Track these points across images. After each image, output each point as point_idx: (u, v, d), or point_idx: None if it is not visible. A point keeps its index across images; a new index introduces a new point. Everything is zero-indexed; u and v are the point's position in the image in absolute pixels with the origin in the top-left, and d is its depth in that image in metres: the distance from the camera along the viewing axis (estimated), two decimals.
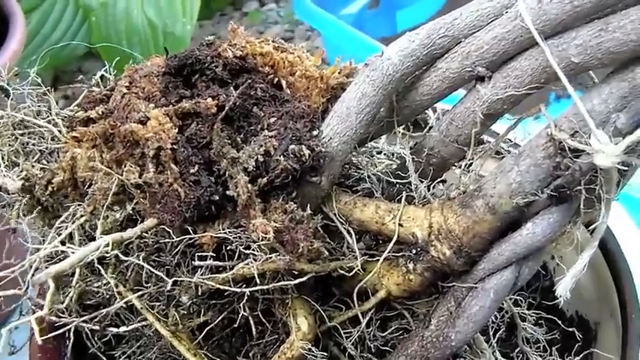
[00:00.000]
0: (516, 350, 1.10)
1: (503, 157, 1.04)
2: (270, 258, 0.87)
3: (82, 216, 0.88)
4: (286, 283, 0.88)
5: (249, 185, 0.87)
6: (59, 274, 0.77)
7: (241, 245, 0.88)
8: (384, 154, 1.11)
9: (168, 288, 0.90)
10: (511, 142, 1.12)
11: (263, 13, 3.55)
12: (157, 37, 2.52)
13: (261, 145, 0.89)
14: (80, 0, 2.50)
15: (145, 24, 2.51)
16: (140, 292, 0.91)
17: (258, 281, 0.87)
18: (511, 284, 0.92)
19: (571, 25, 0.82)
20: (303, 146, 0.89)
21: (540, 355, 1.09)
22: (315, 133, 0.92)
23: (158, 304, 0.93)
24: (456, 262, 0.91)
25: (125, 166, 0.87)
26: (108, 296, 0.94)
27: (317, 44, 3.24)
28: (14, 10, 1.80)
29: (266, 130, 0.91)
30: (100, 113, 0.93)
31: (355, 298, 0.97)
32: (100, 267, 0.89)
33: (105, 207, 0.87)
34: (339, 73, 0.97)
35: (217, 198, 0.88)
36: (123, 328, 0.93)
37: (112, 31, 2.49)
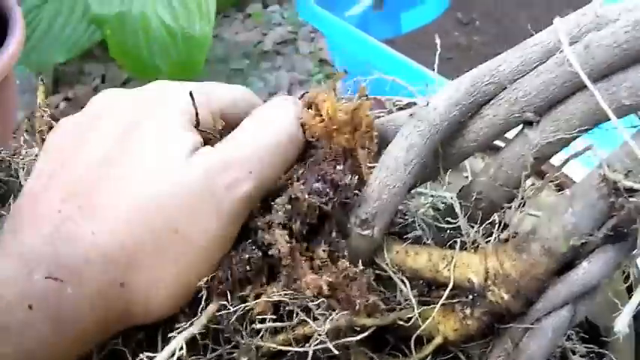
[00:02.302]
0: None
1: (558, 189, 1.05)
2: (331, 316, 0.87)
3: None
4: (350, 339, 0.88)
5: (287, 237, 0.88)
6: None
7: (298, 307, 0.88)
8: (429, 199, 1.11)
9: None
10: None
11: (266, 14, 3.55)
12: (176, 42, 2.48)
13: (290, 196, 0.90)
14: (92, 11, 2.46)
15: (163, 31, 2.47)
16: None
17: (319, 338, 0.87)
18: (568, 322, 0.93)
19: (619, 68, 0.83)
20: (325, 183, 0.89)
21: None
22: (339, 168, 0.92)
23: None
24: (515, 306, 0.91)
25: None
26: None
27: (321, 46, 3.26)
28: (14, 10, 1.78)
29: (295, 183, 0.91)
30: None
31: (413, 346, 0.96)
32: None
33: None
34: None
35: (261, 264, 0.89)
36: None
37: (130, 43, 2.46)
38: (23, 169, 1.16)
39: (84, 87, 3.05)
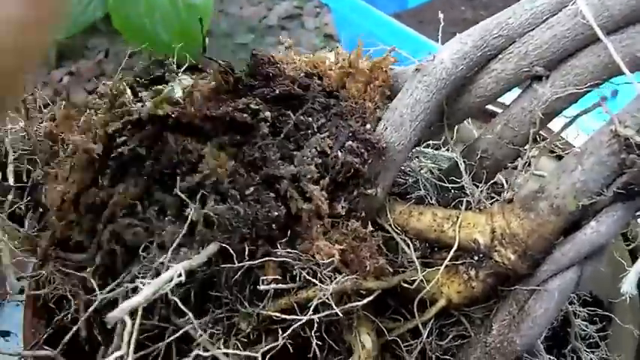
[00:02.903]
0: (568, 347, 1.09)
1: (557, 154, 1.03)
2: (336, 279, 0.84)
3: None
4: (355, 304, 0.85)
5: (320, 192, 0.86)
6: (134, 309, 0.73)
7: (303, 269, 0.86)
8: (431, 157, 1.09)
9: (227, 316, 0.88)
10: (563, 139, 1.10)
11: None
12: (178, 11, 2.44)
13: (315, 147, 0.87)
14: None
15: (165, 0, 2.43)
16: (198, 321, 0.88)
17: (326, 303, 0.84)
18: (574, 284, 0.91)
19: (634, 20, 0.80)
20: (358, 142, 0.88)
21: (593, 352, 1.08)
22: (368, 127, 0.90)
23: (217, 332, 0.90)
24: (521, 266, 0.89)
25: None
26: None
27: (326, 21, 3.23)
28: None
29: (317, 134, 0.89)
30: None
31: (415, 309, 0.94)
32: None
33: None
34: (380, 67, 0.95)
35: (277, 214, 0.85)
36: None
37: (132, 12, 2.42)
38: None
39: (87, 61, 3.03)
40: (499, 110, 0.98)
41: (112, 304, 0.87)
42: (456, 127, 1.01)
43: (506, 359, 0.93)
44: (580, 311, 1.07)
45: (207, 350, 0.86)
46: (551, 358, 1.04)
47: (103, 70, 2.92)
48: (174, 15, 2.42)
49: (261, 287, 0.85)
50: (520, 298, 0.92)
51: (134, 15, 2.40)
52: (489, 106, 0.97)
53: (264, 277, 0.86)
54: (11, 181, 1.08)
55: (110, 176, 0.94)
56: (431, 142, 1.09)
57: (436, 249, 0.99)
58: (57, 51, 3.03)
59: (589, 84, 0.85)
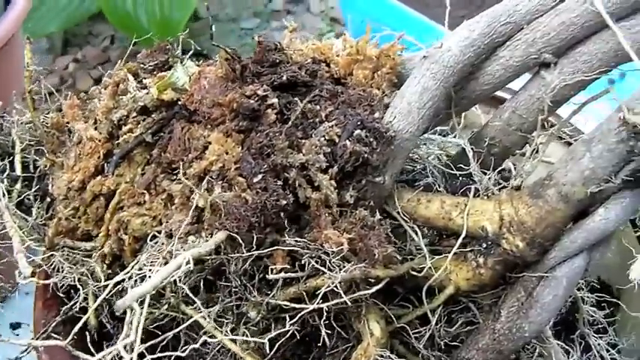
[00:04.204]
0: (576, 333, 1.09)
1: (565, 141, 1.02)
2: (345, 267, 0.84)
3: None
4: (365, 292, 0.85)
5: (329, 181, 0.86)
6: (142, 296, 0.73)
7: (312, 258, 0.86)
8: (439, 145, 1.08)
9: (236, 304, 0.88)
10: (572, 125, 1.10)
11: None
12: (161, 1, 2.45)
13: (323, 136, 0.87)
14: None
15: None
16: (207, 310, 0.88)
17: (335, 292, 0.84)
18: (582, 270, 0.91)
19: None
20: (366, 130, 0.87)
21: (601, 337, 1.08)
22: (376, 115, 0.90)
23: (226, 321, 0.90)
24: (530, 254, 0.89)
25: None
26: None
27: (332, 4, 3.21)
28: None
29: (325, 122, 0.89)
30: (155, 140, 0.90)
31: (424, 296, 0.94)
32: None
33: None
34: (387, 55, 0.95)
35: (285, 202, 0.85)
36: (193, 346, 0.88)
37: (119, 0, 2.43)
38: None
39: (93, 48, 3.02)
40: (507, 96, 0.98)
41: (121, 293, 0.87)
42: (464, 113, 1.01)
43: (514, 345, 0.93)
44: (588, 297, 1.06)
45: (215, 337, 0.86)
46: (559, 343, 1.04)
47: (108, 56, 2.91)
48: (157, 4, 2.44)
49: (270, 276, 0.85)
50: (528, 284, 0.92)
51: (120, 2, 2.42)
52: (497, 92, 0.96)
53: (273, 266, 0.86)
54: (18, 171, 1.08)
55: (115, 164, 0.94)
56: (438, 129, 1.08)
57: (444, 236, 0.99)
58: (62, 38, 3.02)
59: (597, 71, 0.84)
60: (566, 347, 1.05)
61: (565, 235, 0.88)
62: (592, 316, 1.07)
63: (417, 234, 0.93)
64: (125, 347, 0.73)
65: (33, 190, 1.06)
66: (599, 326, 1.09)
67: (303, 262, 0.86)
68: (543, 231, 0.87)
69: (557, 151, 1.08)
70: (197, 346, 0.84)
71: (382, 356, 0.88)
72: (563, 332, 1.12)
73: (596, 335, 1.08)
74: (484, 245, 0.91)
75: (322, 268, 0.84)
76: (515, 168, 0.94)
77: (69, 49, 3.03)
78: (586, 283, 1.08)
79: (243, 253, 0.84)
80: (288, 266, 0.86)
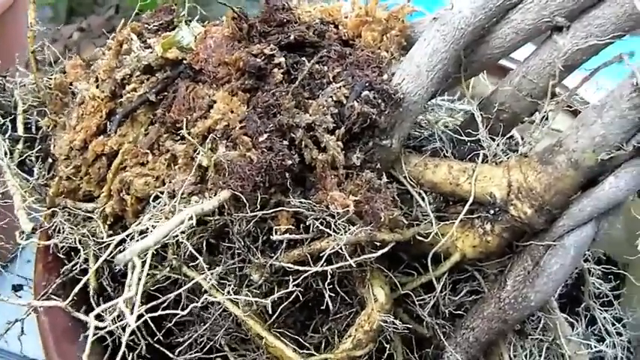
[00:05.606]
0: (581, 306, 1.08)
1: (574, 109, 1.01)
2: (350, 230, 0.83)
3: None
4: (370, 256, 0.84)
5: (335, 142, 0.85)
6: (144, 251, 0.72)
7: (317, 219, 0.84)
8: (447, 110, 1.07)
9: (239, 267, 0.87)
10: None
11: None
12: None
13: (331, 97, 0.86)
14: None
15: None
16: (210, 272, 0.87)
17: (339, 255, 0.83)
18: (591, 240, 0.89)
19: None
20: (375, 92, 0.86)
21: (606, 310, 1.07)
22: (384, 77, 0.88)
23: (229, 283, 0.89)
24: (538, 221, 0.87)
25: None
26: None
27: None
28: None
29: (333, 83, 0.87)
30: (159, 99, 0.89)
31: (430, 263, 0.93)
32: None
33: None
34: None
35: (290, 162, 0.83)
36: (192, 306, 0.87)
37: None
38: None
39: (98, 17, 3.00)
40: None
41: None
42: (472, 82, 1.00)
43: (519, 315, 0.92)
44: (594, 269, 1.05)
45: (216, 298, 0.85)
46: (564, 315, 1.03)
47: (113, 25, 2.89)
48: None
49: (274, 237, 0.84)
50: (535, 253, 0.91)
51: None
52: (506, 63, 0.95)
53: (278, 228, 0.84)
54: (20, 131, 1.07)
55: (118, 123, 0.92)
56: (446, 95, 1.07)
57: (451, 202, 0.98)
58: (67, 7, 3.00)
59: (611, 35, 0.83)
60: (571, 320, 1.04)
61: (574, 204, 0.87)
62: (598, 289, 1.06)
63: (423, 199, 0.91)
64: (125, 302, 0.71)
65: (35, 150, 1.06)
66: (605, 299, 1.08)
67: (307, 223, 0.84)
68: (552, 198, 0.86)
69: (565, 122, 1.07)
70: (198, 305, 0.83)
71: (386, 322, 0.87)
72: (568, 306, 1.11)
73: (601, 308, 1.07)
74: (492, 212, 0.90)
75: (327, 230, 0.82)
76: (524, 135, 0.92)
77: (73, 18, 3.01)
78: (592, 256, 1.06)
79: (247, 214, 0.83)
80: (293, 228, 0.84)
